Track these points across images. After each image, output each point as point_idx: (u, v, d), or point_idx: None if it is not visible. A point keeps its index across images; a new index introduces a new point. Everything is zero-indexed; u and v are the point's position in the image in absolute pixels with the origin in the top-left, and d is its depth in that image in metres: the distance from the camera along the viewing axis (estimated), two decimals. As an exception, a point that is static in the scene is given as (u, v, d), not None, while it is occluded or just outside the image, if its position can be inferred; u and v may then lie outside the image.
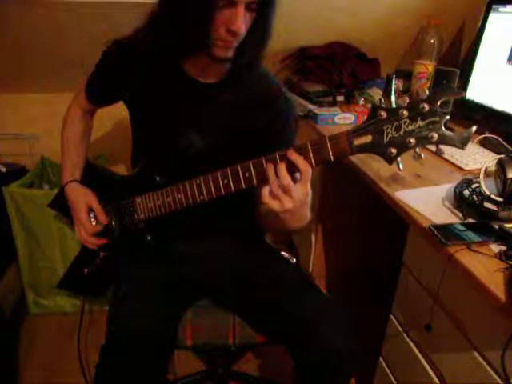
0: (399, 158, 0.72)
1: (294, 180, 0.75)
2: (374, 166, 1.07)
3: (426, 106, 0.67)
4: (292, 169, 0.75)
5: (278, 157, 0.77)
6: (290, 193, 0.75)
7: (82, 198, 1.05)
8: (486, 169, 0.86)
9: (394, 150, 0.71)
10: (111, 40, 0.97)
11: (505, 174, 0.82)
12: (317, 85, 1.59)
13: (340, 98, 1.60)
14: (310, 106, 1.51)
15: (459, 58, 1.68)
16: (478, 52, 1.34)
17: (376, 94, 1.60)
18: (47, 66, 1.50)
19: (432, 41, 1.47)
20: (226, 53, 0.83)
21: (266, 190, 0.77)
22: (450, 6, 1.53)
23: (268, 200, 0.77)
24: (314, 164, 0.75)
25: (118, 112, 1.14)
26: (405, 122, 0.69)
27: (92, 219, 1.06)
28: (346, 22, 1.56)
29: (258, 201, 0.82)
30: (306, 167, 0.74)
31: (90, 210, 1.05)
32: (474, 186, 0.90)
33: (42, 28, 1.34)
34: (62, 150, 1.12)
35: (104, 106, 1.14)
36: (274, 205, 0.76)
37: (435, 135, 0.68)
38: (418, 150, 0.72)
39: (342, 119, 1.43)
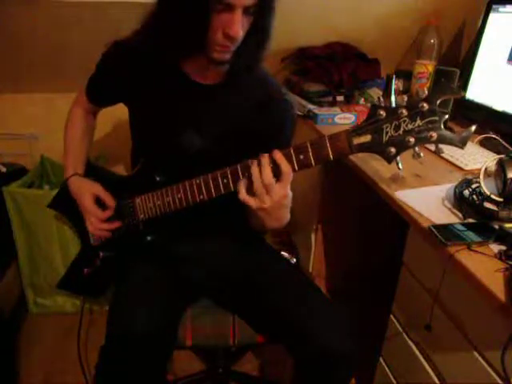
0: (398, 157, 0.72)
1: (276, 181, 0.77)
2: (373, 166, 1.07)
3: (425, 106, 0.67)
4: (276, 170, 0.76)
5: (268, 157, 0.77)
6: (270, 192, 0.77)
7: (85, 187, 1.04)
8: (485, 169, 0.86)
9: (393, 149, 0.71)
10: (111, 41, 0.97)
11: (505, 174, 0.82)
12: (317, 85, 1.59)
13: (340, 98, 1.60)
14: (310, 106, 1.51)
15: (459, 58, 1.68)
16: (478, 52, 1.34)
17: (376, 94, 1.60)
18: (47, 65, 1.50)
19: (432, 41, 1.47)
20: (224, 56, 0.84)
21: (242, 187, 0.79)
22: (450, 6, 1.53)
23: (245, 197, 0.79)
24: (313, 163, 0.76)
25: (118, 112, 1.14)
26: (404, 121, 0.69)
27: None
28: (346, 22, 1.56)
29: None
30: (287, 169, 0.76)
31: (96, 198, 1.03)
32: (474, 185, 0.90)
33: (43, 28, 1.34)
34: (64, 147, 1.12)
35: (104, 106, 1.14)
36: (252, 202, 0.78)
37: (434, 134, 0.68)
38: (417, 149, 0.72)
39: (342, 119, 1.43)
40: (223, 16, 0.77)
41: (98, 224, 1.02)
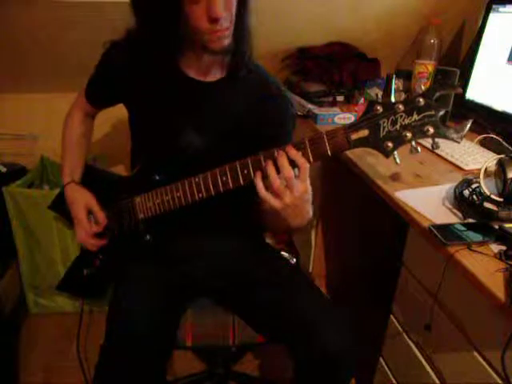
0: (396, 152, 0.72)
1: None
2: (373, 166, 1.07)
3: (422, 100, 0.67)
4: (291, 165, 0.75)
5: (276, 153, 0.77)
6: (291, 187, 0.75)
7: (80, 199, 1.04)
8: (485, 169, 0.86)
9: (390, 144, 0.71)
10: (109, 41, 0.97)
11: (505, 174, 0.82)
12: (317, 85, 1.59)
13: (340, 98, 1.60)
14: (310, 106, 1.51)
15: (459, 58, 1.68)
16: (478, 52, 1.34)
17: (376, 93, 1.60)
18: (47, 66, 1.50)
19: (432, 41, 1.46)
20: (221, 42, 0.81)
21: (262, 187, 0.77)
22: (450, 6, 1.53)
23: (265, 195, 0.77)
24: (311, 159, 0.76)
25: (117, 112, 1.14)
26: (401, 116, 0.69)
27: (91, 220, 1.05)
28: (346, 22, 1.56)
29: (258, 199, 0.81)
30: (304, 163, 0.75)
31: (90, 211, 1.05)
32: (474, 185, 0.89)
33: (42, 28, 1.34)
34: (62, 151, 1.12)
35: (104, 108, 1.14)
36: (274, 201, 0.77)
37: (431, 129, 0.68)
38: (414, 143, 0.72)
39: (341, 119, 1.43)
40: (202, 2, 0.75)
41: (85, 237, 1.04)
